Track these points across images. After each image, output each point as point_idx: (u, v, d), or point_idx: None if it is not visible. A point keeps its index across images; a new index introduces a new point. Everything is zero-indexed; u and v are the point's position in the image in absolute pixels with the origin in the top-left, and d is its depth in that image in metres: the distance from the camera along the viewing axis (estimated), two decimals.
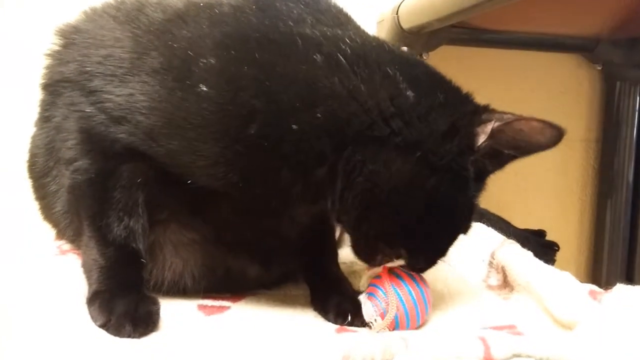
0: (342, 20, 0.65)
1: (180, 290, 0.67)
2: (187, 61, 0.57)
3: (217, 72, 0.56)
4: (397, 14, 1.12)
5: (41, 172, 0.71)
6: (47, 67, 0.69)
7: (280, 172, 0.57)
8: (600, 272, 1.43)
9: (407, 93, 0.57)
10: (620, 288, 0.49)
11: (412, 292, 0.59)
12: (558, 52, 1.37)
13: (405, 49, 1.17)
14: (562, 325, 0.53)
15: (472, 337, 0.39)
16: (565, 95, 1.42)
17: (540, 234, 1.12)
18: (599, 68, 1.38)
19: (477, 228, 0.85)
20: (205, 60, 0.56)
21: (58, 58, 0.68)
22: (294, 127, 0.55)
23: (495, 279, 0.71)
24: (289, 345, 0.52)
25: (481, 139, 0.57)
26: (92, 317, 0.55)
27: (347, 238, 0.99)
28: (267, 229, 0.67)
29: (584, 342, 0.44)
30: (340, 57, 0.57)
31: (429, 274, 0.79)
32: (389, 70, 0.57)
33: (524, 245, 0.96)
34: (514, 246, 0.73)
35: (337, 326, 0.62)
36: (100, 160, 0.61)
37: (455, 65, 1.35)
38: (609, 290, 0.53)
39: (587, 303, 0.53)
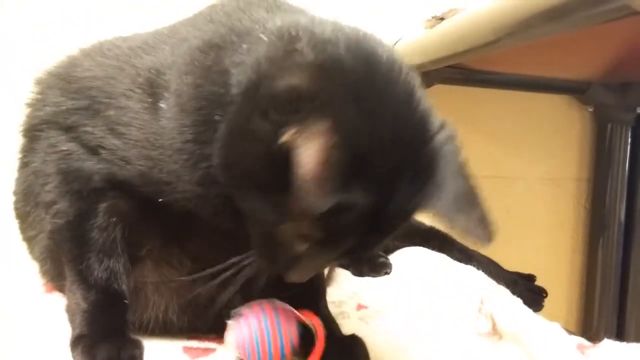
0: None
1: (166, 329, 0.66)
2: (151, 82, 0.58)
3: (169, 87, 0.57)
4: None
5: (22, 216, 0.72)
6: (26, 115, 0.70)
7: (211, 176, 0.54)
8: (592, 312, 1.43)
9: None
10: (607, 343, 0.49)
11: (269, 329, 0.58)
12: (550, 93, 1.40)
13: None
14: None
15: None
16: (557, 135, 1.44)
17: (530, 278, 1.12)
18: (591, 110, 1.40)
19: (468, 272, 0.85)
20: (164, 77, 0.57)
21: (36, 104, 0.69)
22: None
23: (484, 326, 0.71)
24: None
25: None
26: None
27: (335, 275, 0.99)
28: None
29: None
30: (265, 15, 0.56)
31: (413, 312, 0.79)
32: None
33: (512, 289, 0.97)
34: (503, 293, 0.73)
35: None
36: (77, 201, 0.61)
37: (448, 104, 1.36)
38: (596, 345, 0.53)
39: (575, 357, 0.53)
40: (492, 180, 1.42)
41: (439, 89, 1.29)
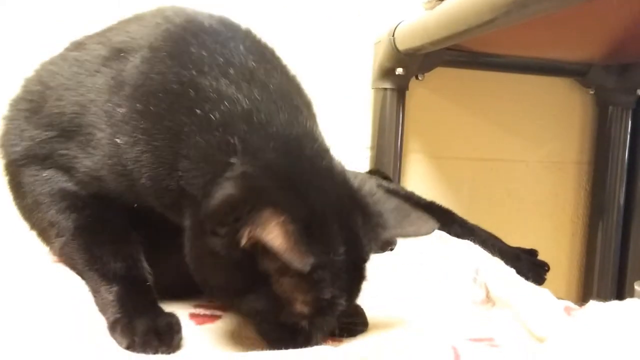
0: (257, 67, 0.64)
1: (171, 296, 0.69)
2: (108, 112, 0.62)
3: (125, 124, 0.61)
4: (393, 35, 1.16)
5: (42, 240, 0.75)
6: (4, 142, 0.73)
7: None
8: (591, 292, 1.45)
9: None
10: (593, 304, 0.51)
11: None
12: (551, 76, 1.41)
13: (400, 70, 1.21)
14: (537, 339, 0.55)
15: (444, 345, 0.41)
16: (558, 118, 1.45)
17: (532, 253, 1.13)
18: (592, 92, 1.42)
19: (464, 245, 0.88)
20: (120, 110, 0.61)
21: (12, 140, 0.71)
22: (170, 185, 0.59)
23: (478, 294, 0.73)
24: (274, 355, 0.54)
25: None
26: (117, 342, 0.57)
27: None
28: None
29: (550, 353, 0.46)
30: (212, 117, 0.58)
31: (411, 282, 0.81)
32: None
33: (515, 263, 0.98)
34: (497, 263, 0.75)
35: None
36: (72, 214, 0.65)
37: (450, 87, 1.39)
38: (583, 307, 0.55)
39: (561, 318, 0.55)
40: (494, 163, 1.44)
41: (441, 71, 1.31)
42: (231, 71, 0.60)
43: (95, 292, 0.63)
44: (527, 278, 0.98)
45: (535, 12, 0.72)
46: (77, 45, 0.72)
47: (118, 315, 0.59)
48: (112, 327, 0.59)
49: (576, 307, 0.57)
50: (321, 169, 0.59)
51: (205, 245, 0.54)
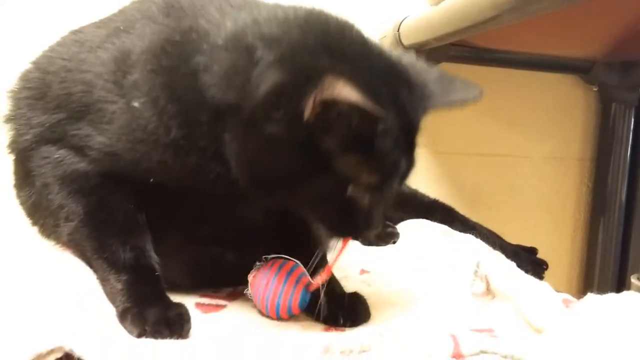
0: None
1: (174, 286, 0.71)
2: (119, 84, 0.63)
3: (140, 87, 0.61)
4: (398, 31, 1.16)
5: (40, 232, 0.76)
6: (12, 136, 0.73)
7: (204, 163, 0.61)
8: (592, 288, 1.46)
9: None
10: (590, 297, 0.52)
11: (272, 285, 0.65)
12: (555, 72, 1.41)
13: None
14: (536, 330, 0.56)
15: (443, 333, 0.43)
16: (562, 114, 1.46)
17: (532, 251, 1.14)
18: (595, 89, 1.42)
19: (466, 239, 0.89)
20: (131, 77, 0.62)
21: (20, 126, 0.72)
22: (202, 119, 0.59)
23: (479, 287, 0.74)
24: (278, 342, 0.56)
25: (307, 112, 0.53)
26: (128, 331, 0.58)
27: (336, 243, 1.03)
28: (234, 217, 0.71)
29: (547, 343, 0.47)
30: (219, 40, 0.59)
31: (413, 275, 0.82)
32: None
33: (514, 260, 1.00)
34: (498, 257, 0.76)
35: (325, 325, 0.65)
36: (83, 197, 0.65)
37: None
38: (581, 299, 0.56)
39: (559, 310, 0.56)
40: (497, 158, 1.44)
41: (446, 67, 1.31)
42: (224, 6, 0.63)
43: (103, 280, 0.64)
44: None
45: (537, 10, 0.73)
46: (75, 32, 0.73)
47: (128, 305, 0.60)
48: (122, 316, 0.60)
49: (574, 299, 0.59)
50: (354, 40, 0.59)
51: (260, 136, 0.55)
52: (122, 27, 0.67)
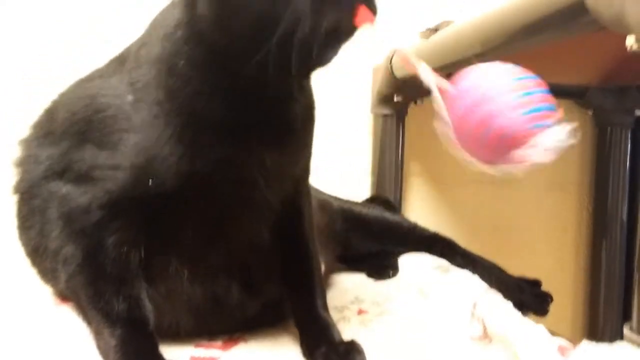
0: None
1: (176, 333, 0.70)
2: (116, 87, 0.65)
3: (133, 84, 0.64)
4: (390, 63, 1.17)
5: (40, 273, 0.76)
6: (20, 175, 0.74)
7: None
8: (597, 314, 1.44)
9: None
10: (585, 345, 0.51)
11: None
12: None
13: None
14: None
15: None
16: None
17: (535, 283, 1.11)
18: (590, 113, 1.42)
19: (463, 277, 0.88)
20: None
21: (28, 164, 0.73)
22: None
23: (476, 329, 0.73)
24: None
25: None
26: None
27: (335, 280, 1.02)
28: (240, 235, 0.70)
29: None
30: None
31: (410, 316, 0.81)
32: None
33: (518, 294, 0.98)
34: (495, 297, 0.75)
35: None
36: (82, 240, 0.64)
37: None
38: (576, 347, 0.55)
39: (555, 358, 0.55)
40: (496, 186, 1.44)
41: None
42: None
43: (97, 333, 0.64)
44: (530, 309, 0.98)
45: (523, 47, 0.73)
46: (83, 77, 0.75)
47: None
48: None
49: (570, 346, 0.57)
50: None
51: None
52: (123, 55, 0.70)
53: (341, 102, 1.31)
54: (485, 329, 0.71)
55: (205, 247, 0.68)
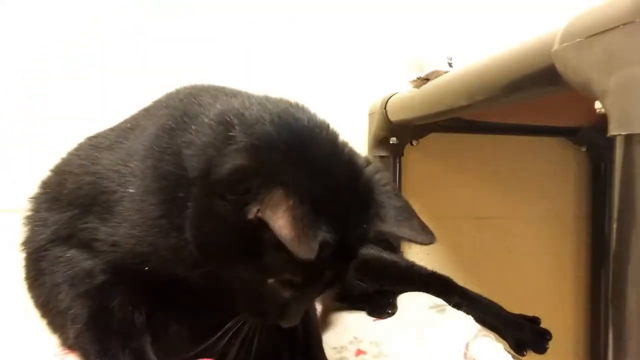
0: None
1: None
2: (120, 174, 0.68)
3: (135, 173, 0.66)
4: (385, 108, 1.22)
5: (48, 325, 0.79)
6: (28, 234, 0.78)
7: (181, 246, 0.63)
8: (599, 348, 1.45)
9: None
10: None
11: None
12: (542, 136, 1.45)
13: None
14: None
15: None
16: (554, 175, 1.49)
17: (534, 320, 1.11)
18: (584, 150, 1.45)
19: (456, 316, 0.91)
20: (129, 166, 0.67)
21: (37, 227, 0.77)
22: (180, 194, 0.62)
23: None
24: None
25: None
26: None
27: (333, 319, 1.05)
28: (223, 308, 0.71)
29: None
30: (205, 119, 0.64)
31: (407, 358, 0.84)
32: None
33: (517, 332, 1.01)
34: (487, 339, 0.78)
35: None
36: (88, 301, 0.69)
37: (445, 150, 1.43)
38: None
39: None
40: (492, 221, 1.47)
41: (436, 136, 1.36)
42: (219, 94, 0.69)
43: None
44: (529, 347, 1.00)
45: (506, 102, 0.77)
46: (91, 137, 0.79)
47: None
48: None
49: None
50: (323, 143, 0.61)
51: (211, 207, 0.57)
52: (129, 126, 0.74)
53: None
54: None
55: (203, 311, 0.72)
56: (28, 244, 0.78)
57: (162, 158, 0.65)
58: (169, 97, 0.74)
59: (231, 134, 0.59)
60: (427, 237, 0.61)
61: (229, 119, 0.61)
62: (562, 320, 1.49)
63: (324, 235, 0.53)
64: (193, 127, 0.64)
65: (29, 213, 0.79)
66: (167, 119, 0.68)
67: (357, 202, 0.59)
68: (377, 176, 0.62)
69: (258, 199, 0.52)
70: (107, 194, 0.68)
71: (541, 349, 1.04)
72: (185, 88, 0.75)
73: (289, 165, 0.56)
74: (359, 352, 0.91)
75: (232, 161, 0.56)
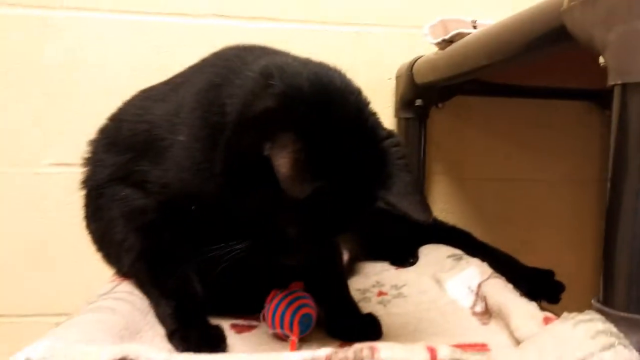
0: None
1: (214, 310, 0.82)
2: (170, 123, 0.76)
3: (185, 123, 0.74)
4: (411, 70, 1.27)
5: (105, 257, 0.91)
6: (87, 174, 0.89)
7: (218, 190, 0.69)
8: None
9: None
10: (565, 316, 0.61)
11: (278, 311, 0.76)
12: (567, 100, 1.48)
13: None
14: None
15: (421, 347, 0.53)
16: (577, 137, 1.51)
17: (549, 273, 1.16)
18: (608, 114, 1.47)
19: (471, 262, 0.98)
20: (180, 116, 0.75)
21: (95, 166, 0.87)
22: (220, 141, 0.68)
23: (479, 307, 0.83)
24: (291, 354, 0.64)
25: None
26: (174, 347, 0.70)
27: (359, 267, 1.13)
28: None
29: (514, 353, 0.56)
30: (249, 73, 0.70)
31: (423, 297, 0.91)
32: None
33: (531, 282, 1.05)
34: (498, 280, 0.85)
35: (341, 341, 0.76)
36: (141, 234, 0.79)
37: (470, 112, 1.48)
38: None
39: (540, 327, 0.65)
40: (515, 183, 1.51)
41: (461, 99, 1.41)
42: (262, 53, 0.76)
43: (156, 305, 0.78)
44: (542, 297, 1.05)
45: (520, 62, 0.82)
46: (145, 90, 0.89)
47: (174, 327, 0.73)
48: (170, 336, 0.72)
49: (554, 317, 0.67)
50: (350, 105, 0.66)
51: (238, 142, 0.64)
52: (180, 81, 0.83)
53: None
54: (486, 306, 0.82)
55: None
56: (88, 182, 0.88)
57: (208, 110, 0.72)
58: (216, 56, 0.82)
59: (270, 82, 0.65)
60: (423, 214, 0.63)
61: (270, 71, 0.67)
62: (581, 280, 1.53)
63: (321, 183, 0.59)
64: (237, 81, 0.71)
65: (88, 155, 0.89)
66: (215, 76, 0.75)
67: (367, 167, 0.63)
68: (394, 149, 0.66)
69: (272, 138, 0.58)
70: (160, 140, 0.76)
71: (554, 299, 1.08)
72: (231, 49, 0.82)
73: (309, 117, 0.61)
74: (381, 294, 1.00)
75: (264, 103, 0.63)
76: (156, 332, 0.74)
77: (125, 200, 0.80)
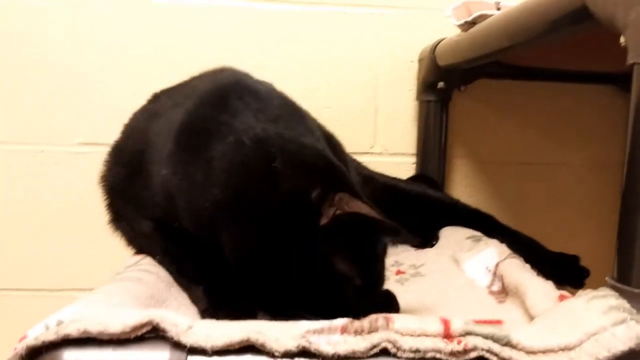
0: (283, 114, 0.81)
1: None
2: (159, 150, 0.82)
3: (169, 160, 0.80)
4: (434, 53, 1.27)
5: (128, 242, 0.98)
6: (104, 171, 0.97)
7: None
8: None
9: None
10: (579, 293, 0.62)
11: None
12: (590, 83, 1.46)
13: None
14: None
15: (435, 318, 0.54)
16: (600, 121, 1.49)
17: (574, 258, 1.15)
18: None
19: (490, 243, 0.99)
20: (166, 149, 0.80)
21: (108, 176, 0.97)
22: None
23: (496, 286, 0.85)
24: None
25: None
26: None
27: None
28: None
29: (526, 327, 0.58)
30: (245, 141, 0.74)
31: (441, 276, 0.93)
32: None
33: (555, 267, 1.05)
34: (515, 260, 0.86)
35: None
36: (159, 235, 0.86)
37: (492, 96, 1.48)
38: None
39: (554, 304, 0.66)
40: (536, 167, 1.51)
41: (483, 82, 1.40)
42: (260, 115, 0.78)
43: (188, 289, 0.81)
44: (566, 282, 1.05)
45: (541, 43, 0.82)
46: (154, 99, 0.96)
47: (206, 306, 0.76)
48: (202, 314, 0.75)
49: (569, 295, 0.68)
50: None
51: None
52: (180, 101, 0.86)
53: (390, 92, 1.42)
54: (503, 285, 0.83)
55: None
56: (104, 180, 0.97)
57: (192, 160, 0.78)
58: (216, 87, 0.86)
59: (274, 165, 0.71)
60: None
61: (272, 150, 0.73)
62: (605, 265, 1.53)
63: None
64: (230, 138, 0.75)
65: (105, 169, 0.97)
66: (210, 119, 0.80)
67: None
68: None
69: (327, 203, 0.68)
70: (150, 164, 0.84)
71: (578, 284, 1.08)
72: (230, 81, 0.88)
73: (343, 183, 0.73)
74: (399, 272, 1.01)
75: (291, 183, 0.70)
76: (180, 303, 0.76)
77: (132, 208, 0.90)
